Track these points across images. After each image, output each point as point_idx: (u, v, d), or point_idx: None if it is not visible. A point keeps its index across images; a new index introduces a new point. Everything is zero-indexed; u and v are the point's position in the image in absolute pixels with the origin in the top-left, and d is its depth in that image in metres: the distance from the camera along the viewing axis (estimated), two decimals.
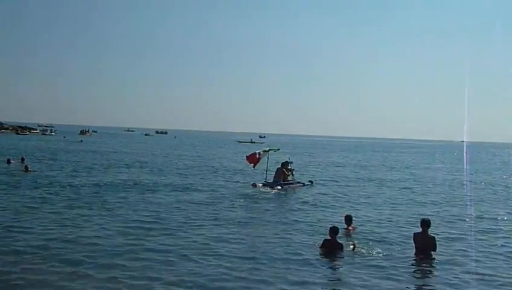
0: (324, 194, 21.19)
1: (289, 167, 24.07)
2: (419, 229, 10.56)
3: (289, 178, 23.55)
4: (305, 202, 18.46)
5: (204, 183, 23.80)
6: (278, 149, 26.56)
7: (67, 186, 20.38)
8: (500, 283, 8.92)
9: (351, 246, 10.67)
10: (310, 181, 24.99)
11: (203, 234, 12.13)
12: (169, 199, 18.04)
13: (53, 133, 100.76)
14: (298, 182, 24.00)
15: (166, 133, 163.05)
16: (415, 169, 41.24)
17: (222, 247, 10.79)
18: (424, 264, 9.90)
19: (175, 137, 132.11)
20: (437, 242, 10.44)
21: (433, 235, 10.50)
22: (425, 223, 10.40)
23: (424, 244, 10.31)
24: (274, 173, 23.34)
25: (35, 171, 25.54)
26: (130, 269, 8.90)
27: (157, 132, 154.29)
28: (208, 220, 14.11)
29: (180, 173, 28.92)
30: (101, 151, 49.67)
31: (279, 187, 22.05)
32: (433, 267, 9.84)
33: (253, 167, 23.87)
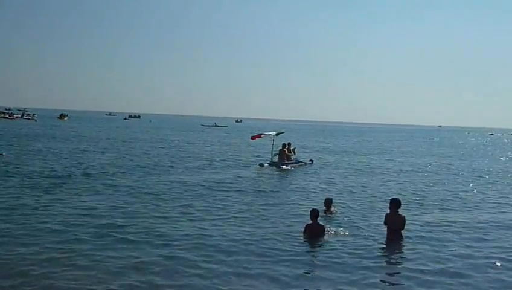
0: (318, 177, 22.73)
1: (291, 148, 27.09)
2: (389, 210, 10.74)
3: (292, 157, 26.51)
4: (304, 184, 19.96)
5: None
6: (283, 132, 29.91)
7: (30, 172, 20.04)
8: (471, 261, 9.41)
9: (332, 233, 10.90)
10: (310, 160, 27.96)
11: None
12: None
13: (35, 118, 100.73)
14: (300, 161, 26.95)
15: (139, 117, 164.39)
16: (399, 153, 44.69)
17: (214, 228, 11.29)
18: (397, 246, 10.23)
19: (150, 121, 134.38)
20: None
21: (403, 215, 10.70)
22: (394, 204, 10.57)
23: (395, 224, 10.49)
24: (277, 154, 26.00)
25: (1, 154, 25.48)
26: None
27: (130, 116, 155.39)
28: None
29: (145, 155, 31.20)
30: (72, 135, 50.40)
31: (283, 166, 24.85)
32: (408, 248, 10.16)
33: (252, 139, 27.41)
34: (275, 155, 26.07)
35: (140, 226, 11.33)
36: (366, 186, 19.61)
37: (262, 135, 27.19)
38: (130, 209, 13.25)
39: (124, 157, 27.97)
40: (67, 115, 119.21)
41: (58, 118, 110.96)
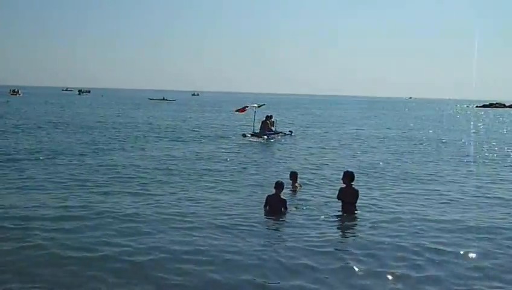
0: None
1: (272, 120, 29.96)
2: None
3: (272, 129, 29.29)
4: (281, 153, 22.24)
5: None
6: (264, 104, 33.18)
7: None
8: (429, 224, 10.18)
9: (294, 208, 11.16)
10: (289, 131, 30.84)
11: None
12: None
13: None
14: (280, 132, 29.79)
15: (89, 92, 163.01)
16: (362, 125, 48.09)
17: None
18: (352, 219, 10.55)
19: (102, 96, 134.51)
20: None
21: (356, 188, 10.98)
22: (348, 176, 10.78)
23: (349, 197, 10.74)
24: (260, 125, 28.87)
25: None
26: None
27: (80, 91, 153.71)
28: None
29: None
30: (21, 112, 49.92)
31: (265, 137, 27.54)
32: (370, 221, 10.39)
33: (239, 112, 30.52)
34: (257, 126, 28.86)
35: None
36: (336, 160, 20.42)
37: (247, 108, 29.89)
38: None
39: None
40: (18, 91, 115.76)
41: (11, 94, 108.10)
